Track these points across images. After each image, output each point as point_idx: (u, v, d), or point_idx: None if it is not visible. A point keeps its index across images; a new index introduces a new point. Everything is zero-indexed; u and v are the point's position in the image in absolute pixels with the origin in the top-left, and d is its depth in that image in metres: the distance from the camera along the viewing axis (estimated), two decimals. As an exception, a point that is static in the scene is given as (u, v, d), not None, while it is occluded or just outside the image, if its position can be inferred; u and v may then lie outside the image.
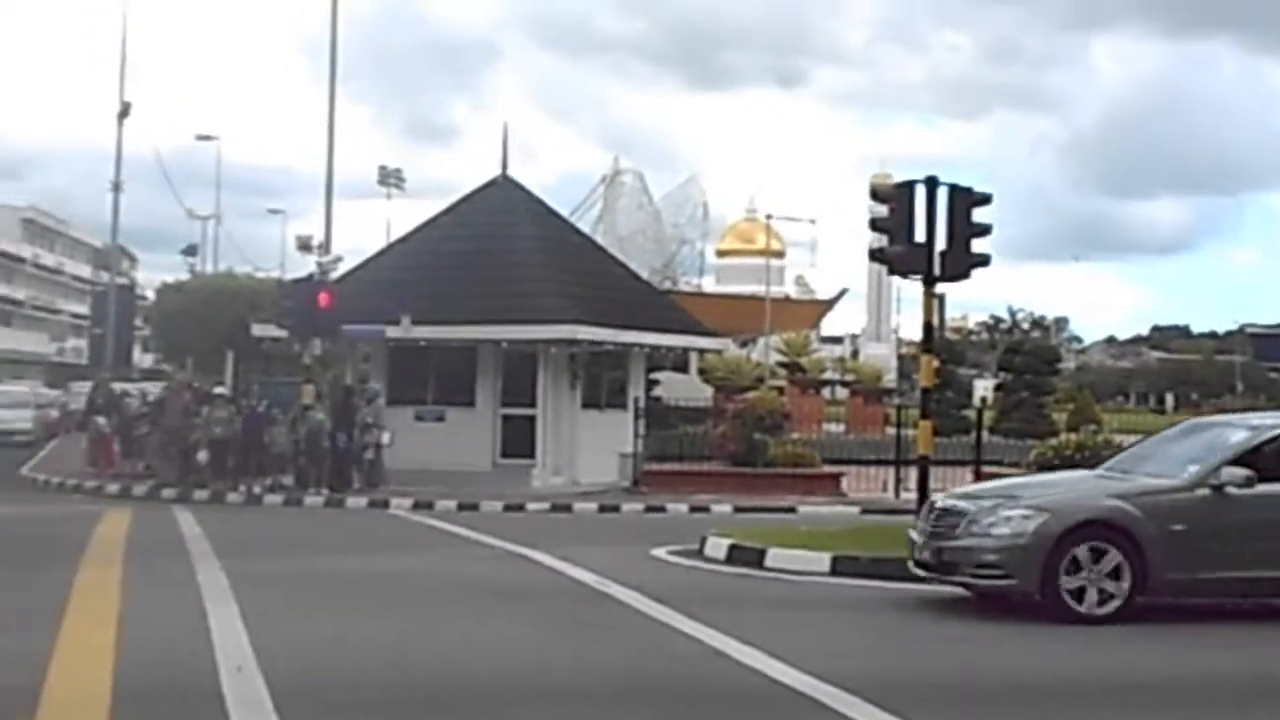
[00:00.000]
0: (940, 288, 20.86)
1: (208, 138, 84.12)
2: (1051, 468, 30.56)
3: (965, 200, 20.03)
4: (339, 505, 28.75)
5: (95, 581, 14.21)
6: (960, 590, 14.55)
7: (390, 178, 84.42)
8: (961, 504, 14.83)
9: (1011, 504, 14.39)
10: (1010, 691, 10.56)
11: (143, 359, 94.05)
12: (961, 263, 20.08)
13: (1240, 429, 15.37)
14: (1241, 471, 14.23)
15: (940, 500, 15.35)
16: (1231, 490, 14.17)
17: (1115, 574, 13.83)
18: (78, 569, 14.87)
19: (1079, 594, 13.79)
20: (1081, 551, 13.84)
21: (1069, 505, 14.39)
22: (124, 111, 51.91)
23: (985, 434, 34.84)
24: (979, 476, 31.18)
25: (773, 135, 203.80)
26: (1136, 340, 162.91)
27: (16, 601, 13.48)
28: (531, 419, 32.77)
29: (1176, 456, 15.11)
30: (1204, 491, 14.28)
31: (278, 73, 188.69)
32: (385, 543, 21.11)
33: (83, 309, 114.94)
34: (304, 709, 8.94)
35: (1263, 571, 14.20)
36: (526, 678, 10.58)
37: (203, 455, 30.79)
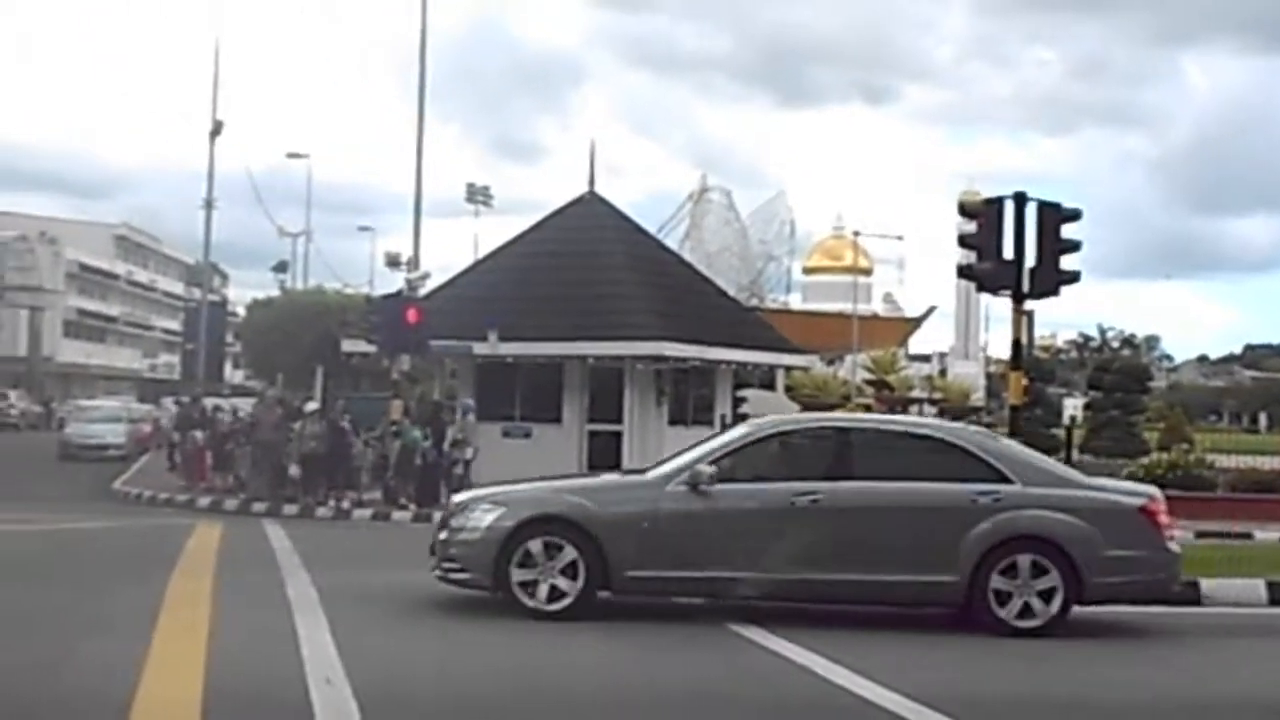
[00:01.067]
0: (1029, 305, 20.75)
1: (298, 155, 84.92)
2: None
3: (1054, 216, 19.91)
4: (426, 520, 28.82)
5: (187, 592, 14.34)
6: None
7: (478, 195, 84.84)
8: (462, 498, 15.06)
9: (485, 500, 14.44)
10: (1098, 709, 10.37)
11: (233, 375, 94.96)
12: (1051, 279, 19.95)
13: (743, 429, 15.51)
14: (706, 469, 14.01)
15: (459, 495, 15.62)
16: (703, 489, 13.92)
17: (570, 570, 13.78)
18: (169, 580, 15.01)
19: (530, 588, 13.79)
20: (535, 546, 13.81)
21: (525, 500, 14.39)
22: (216, 130, 52.54)
23: (1075, 453, 34.56)
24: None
25: (860, 152, 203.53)
26: (1229, 359, 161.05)
27: (110, 611, 13.63)
28: (618, 435, 32.80)
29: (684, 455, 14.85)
30: (673, 489, 14.06)
31: (368, 92, 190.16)
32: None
33: (175, 325, 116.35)
34: (392, 721, 8.97)
35: (726, 572, 13.83)
36: (606, 691, 10.62)
37: (294, 470, 31.00)
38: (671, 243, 64.08)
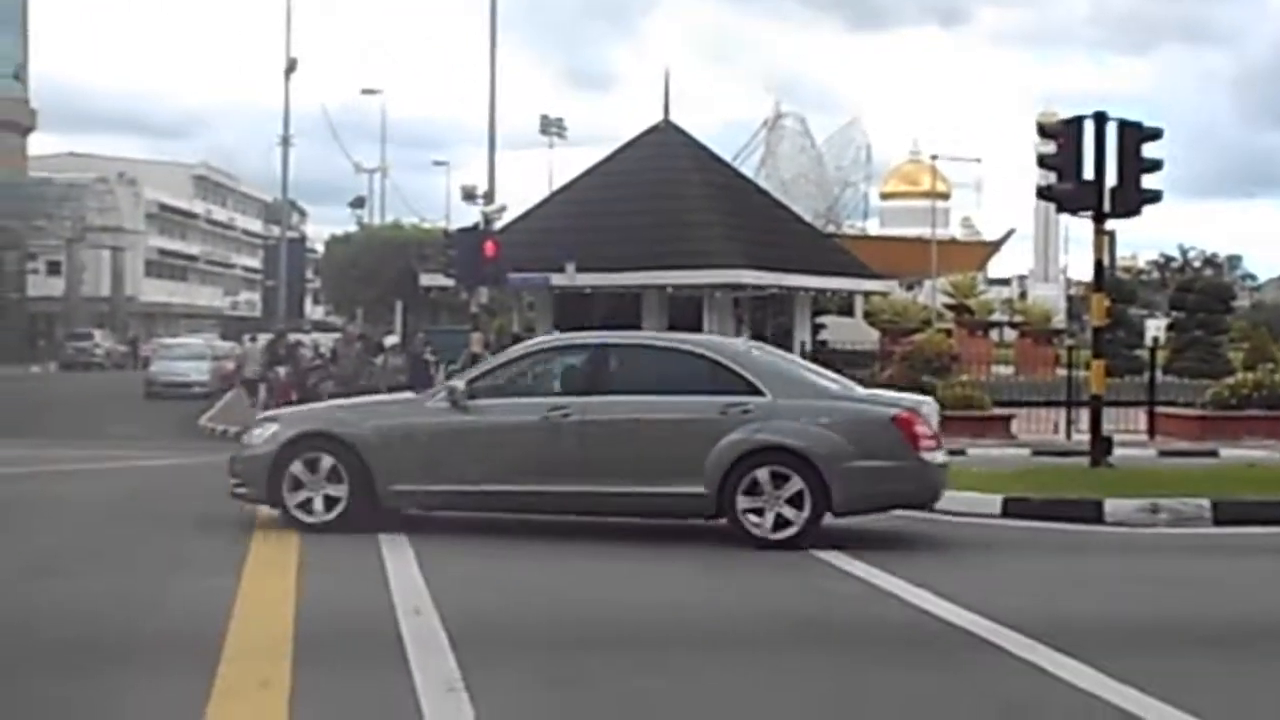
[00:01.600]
0: (1110, 225, 20.52)
1: (373, 91, 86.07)
2: (1228, 406, 30.17)
3: (1135, 135, 19.68)
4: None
5: (274, 532, 14.49)
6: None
7: (552, 127, 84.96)
8: (260, 417, 15.97)
9: (269, 418, 15.46)
10: (1199, 633, 10.35)
11: (314, 311, 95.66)
12: (1132, 199, 19.75)
13: (518, 348, 16.61)
14: (460, 384, 14.65)
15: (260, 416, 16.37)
16: (462, 404, 14.44)
17: (335, 477, 14.40)
18: (256, 518, 15.17)
19: (306, 505, 14.45)
20: (301, 460, 14.49)
21: (297, 418, 15.42)
22: (291, 67, 52.67)
23: (1159, 374, 34.27)
24: (1152, 417, 30.76)
25: (935, 75, 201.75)
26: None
27: (199, 549, 13.80)
28: (698, 364, 32.76)
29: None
30: (434, 404, 14.78)
31: (440, 25, 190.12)
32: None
33: (254, 263, 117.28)
34: (480, 650, 9.04)
35: (485, 485, 14.31)
36: (689, 618, 10.65)
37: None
38: (747, 171, 63.74)
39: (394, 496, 14.53)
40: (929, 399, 15.82)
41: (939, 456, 14.54)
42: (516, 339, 33.38)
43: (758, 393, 14.16)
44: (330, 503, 14.45)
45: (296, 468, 14.51)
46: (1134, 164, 19.60)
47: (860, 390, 15.36)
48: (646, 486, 14.09)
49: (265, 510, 15.06)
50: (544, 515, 14.65)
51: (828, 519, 14.08)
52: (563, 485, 14.23)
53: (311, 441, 14.65)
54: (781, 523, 13.81)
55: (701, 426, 14.02)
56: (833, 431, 13.97)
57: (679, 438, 14.14)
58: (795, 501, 13.83)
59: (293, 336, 42.80)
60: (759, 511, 13.85)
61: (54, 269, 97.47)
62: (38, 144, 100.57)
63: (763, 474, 13.84)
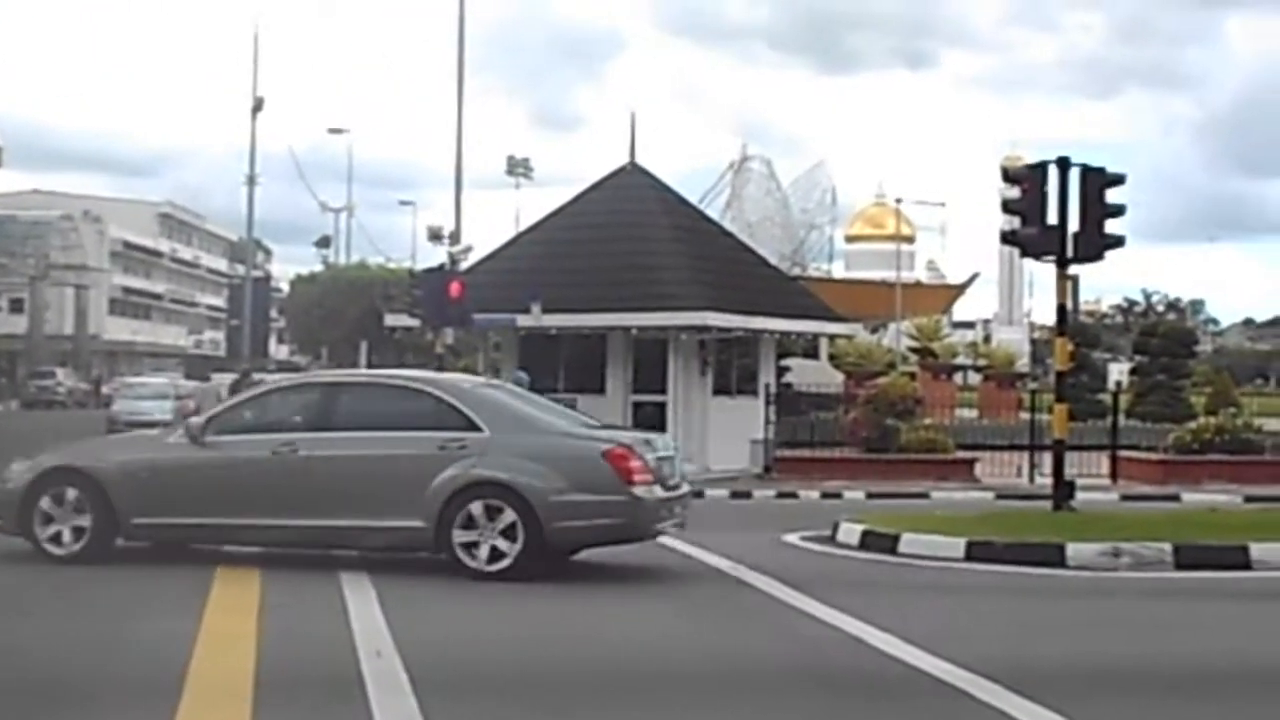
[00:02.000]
0: (1074, 270, 20.63)
1: (339, 131, 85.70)
2: (1190, 451, 30.30)
3: (1098, 181, 19.80)
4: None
5: (236, 573, 14.42)
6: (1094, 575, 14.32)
7: (518, 168, 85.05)
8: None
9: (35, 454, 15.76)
10: (1162, 678, 10.35)
11: (278, 350, 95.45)
12: (1095, 244, 19.85)
13: (262, 387, 17.53)
14: (196, 421, 15.38)
15: None
16: (200, 440, 15.01)
17: (80, 512, 14.86)
18: (219, 559, 15.09)
19: (56, 538, 14.89)
20: (50, 495, 14.95)
21: (52, 454, 15.77)
22: (257, 106, 52.79)
23: (1121, 418, 34.38)
24: (1115, 461, 30.87)
25: (901, 119, 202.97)
26: (1275, 322, 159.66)
27: (161, 590, 13.72)
28: (662, 405, 32.76)
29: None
30: (175, 440, 15.32)
31: (407, 66, 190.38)
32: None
33: (219, 301, 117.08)
34: (441, 693, 9.01)
35: (221, 519, 14.89)
36: (659, 663, 10.60)
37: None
38: (713, 213, 63.83)
39: (136, 530, 15.03)
40: (664, 437, 16.52)
41: (655, 491, 14.71)
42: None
43: (476, 429, 14.54)
44: (78, 534, 14.89)
45: (45, 502, 14.98)
46: (1097, 209, 19.70)
47: (586, 428, 15.66)
48: (368, 520, 14.50)
49: (227, 548, 15.02)
50: (279, 549, 15.11)
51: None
52: (291, 519, 14.67)
53: (59, 476, 15.16)
54: (496, 555, 14.13)
55: (420, 462, 14.40)
56: (544, 465, 14.34)
57: (398, 473, 14.49)
58: (509, 534, 14.18)
59: (256, 375, 42.63)
60: (475, 545, 14.19)
61: (17, 306, 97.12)
62: (2, 181, 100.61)
63: (477, 508, 14.18)
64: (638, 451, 14.58)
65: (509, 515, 14.10)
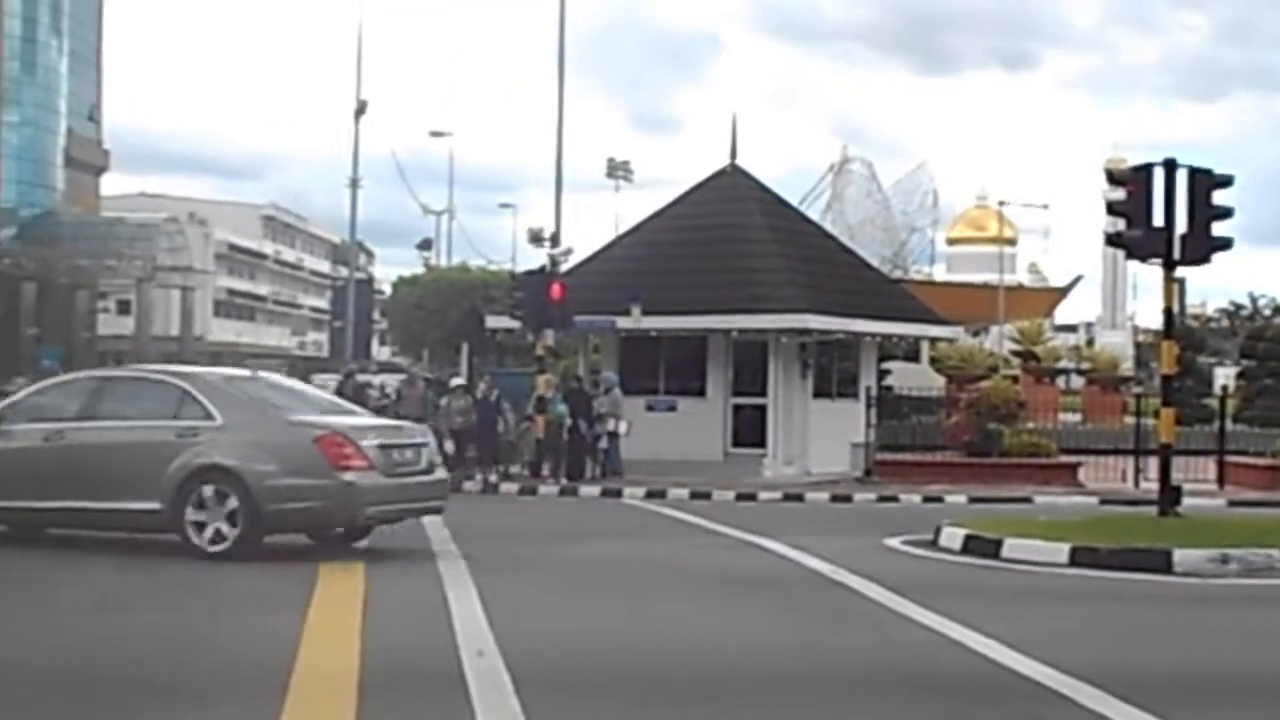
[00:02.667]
0: (1180, 272, 20.39)
1: (441, 134, 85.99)
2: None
3: (1205, 183, 19.56)
4: (573, 494, 29.05)
5: (340, 569, 14.56)
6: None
7: (618, 170, 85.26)
8: None
9: None
10: (1270, 686, 10.18)
11: (380, 351, 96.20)
12: (1202, 246, 19.61)
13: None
14: None
15: None
16: (2, 427, 16.42)
17: None
18: (322, 556, 15.25)
19: None
20: None
21: None
22: (360, 110, 53.24)
23: (1228, 422, 33.98)
24: (1222, 466, 30.48)
25: (1003, 120, 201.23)
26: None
27: (267, 587, 13.87)
28: (762, 408, 32.75)
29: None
30: None
31: (508, 69, 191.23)
32: (619, 531, 21.24)
33: (322, 303, 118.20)
34: (543, 692, 9.04)
35: (7, 502, 16.10)
36: (757, 665, 10.56)
37: (448, 445, 31.09)
38: (813, 215, 63.61)
39: None
40: (418, 426, 18.12)
41: (368, 479, 15.40)
42: (579, 382, 33.48)
43: (210, 418, 15.65)
44: None
45: None
46: (1204, 211, 19.47)
47: (308, 415, 16.27)
48: (113, 503, 15.55)
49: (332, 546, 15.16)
50: (55, 530, 16.30)
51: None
52: (56, 501, 15.88)
53: None
54: (218, 537, 15.19)
55: (158, 449, 15.59)
56: (264, 451, 15.42)
57: (140, 459, 15.62)
58: (233, 518, 15.12)
59: (361, 377, 43.02)
60: (203, 526, 15.26)
61: (124, 308, 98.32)
62: (110, 184, 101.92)
63: (208, 491, 15.29)
64: (351, 438, 15.43)
65: (233, 500, 15.19)
